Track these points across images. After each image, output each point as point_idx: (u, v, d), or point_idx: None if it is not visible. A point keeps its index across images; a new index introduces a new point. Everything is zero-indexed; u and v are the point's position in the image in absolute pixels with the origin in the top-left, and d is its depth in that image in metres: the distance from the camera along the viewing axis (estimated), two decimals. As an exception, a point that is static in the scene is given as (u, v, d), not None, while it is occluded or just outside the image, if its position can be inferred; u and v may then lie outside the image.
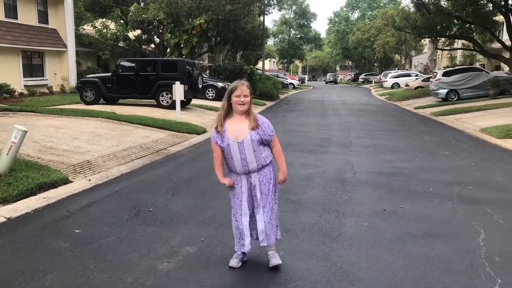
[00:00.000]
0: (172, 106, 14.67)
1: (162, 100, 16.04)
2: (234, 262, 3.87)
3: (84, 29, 27.30)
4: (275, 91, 28.53)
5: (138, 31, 28.59)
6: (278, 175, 3.80)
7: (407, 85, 34.49)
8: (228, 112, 3.72)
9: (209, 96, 21.40)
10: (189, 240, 4.47)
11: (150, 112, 14.35)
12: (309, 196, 6.17)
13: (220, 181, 3.79)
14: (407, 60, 60.35)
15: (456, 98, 22.31)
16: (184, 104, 16.34)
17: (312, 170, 7.84)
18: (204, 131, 12.51)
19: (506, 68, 26.33)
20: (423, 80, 33.18)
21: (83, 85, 16.67)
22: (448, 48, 32.42)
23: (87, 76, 18.09)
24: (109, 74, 17.27)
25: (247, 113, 3.70)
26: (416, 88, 31.95)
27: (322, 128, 14.02)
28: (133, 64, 16.77)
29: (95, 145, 9.06)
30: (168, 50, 27.50)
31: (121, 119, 12.14)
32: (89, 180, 6.83)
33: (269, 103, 24.82)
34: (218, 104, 19.31)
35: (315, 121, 16.04)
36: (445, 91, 22.60)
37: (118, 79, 16.39)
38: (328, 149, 10.06)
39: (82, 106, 15.05)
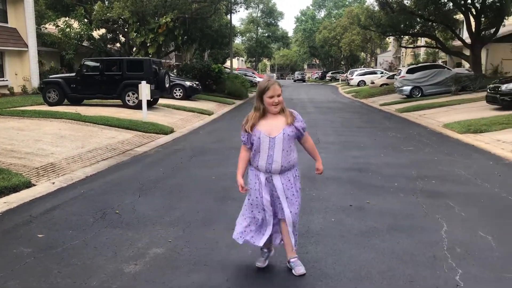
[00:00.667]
0: (138, 106, 14.46)
1: (128, 100, 15.78)
2: (260, 262, 3.78)
3: (46, 28, 26.58)
4: (243, 90, 28.52)
5: (103, 30, 28.06)
6: (317, 165, 3.81)
7: (372, 83, 35.15)
8: (263, 112, 3.55)
9: (176, 95, 21.19)
10: (156, 241, 4.42)
11: (116, 112, 14.11)
12: (277, 193, 6.19)
13: (237, 179, 3.65)
14: (373, 58, 61.49)
15: (420, 94, 22.87)
16: (151, 104, 16.14)
17: (281, 168, 7.87)
18: (172, 131, 12.39)
19: (467, 65, 27.16)
20: (388, 78, 33.90)
21: (46, 86, 16.20)
22: (411, 46, 33.25)
23: (50, 76, 17.63)
24: (73, 74, 16.88)
25: (280, 109, 3.56)
26: (381, 85, 32.59)
27: (290, 126, 14.09)
28: (98, 64, 16.45)
29: (59, 147, 8.84)
30: (134, 49, 27.09)
31: (86, 120, 11.88)
32: (53, 183, 6.65)
33: (238, 102, 24.81)
34: (186, 103, 19.28)
35: (283, 119, 16.10)
36: (409, 88, 23.14)
37: (83, 79, 16.03)
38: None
39: (45, 108, 14.64)
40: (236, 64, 61.18)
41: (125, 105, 15.77)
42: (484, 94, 16.84)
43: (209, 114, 17.51)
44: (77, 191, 6.33)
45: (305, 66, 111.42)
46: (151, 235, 4.58)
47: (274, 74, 77.36)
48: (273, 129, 3.49)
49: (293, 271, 3.65)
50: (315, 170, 3.86)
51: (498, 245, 4.29)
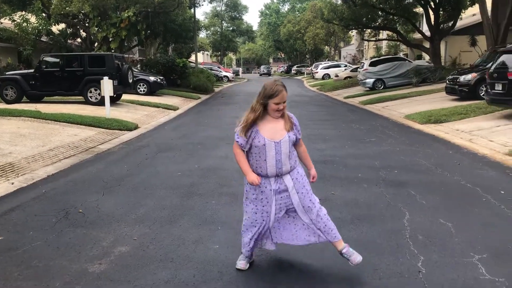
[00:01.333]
0: (101, 103, 14.14)
1: (90, 97, 15.42)
2: (242, 263, 3.67)
3: (1, 23, 25.55)
4: (209, 84, 28.34)
5: (62, 25, 27.21)
6: (311, 173, 3.67)
7: (336, 76, 35.66)
8: (262, 115, 3.40)
9: (140, 91, 20.85)
10: (121, 240, 4.35)
11: (78, 109, 13.76)
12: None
13: (247, 177, 3.42)
14: (336, 51, 62.25)
15: (382, 87, 23.35)
16: (114, 100, 15.84)
17: (247, 162, 7.88)
18: (136, 127, 12.19)
19: (427, 57, 27.88)
20: (351, 71, 34.45)
21: (2, 83, 15.63)
22: (374, 39, 33.85)
23: (7, 73, 17.00)
24: (32, 70, 16.32)
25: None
26: (345, 78, 33.09)
27: (256, 120, 14.12)
28: (58, 60, 16.00)
29: (18, 146, 8.55)
30: (96, 44, 26.42)
31: (46, 117, 11.53)
32: (12, 183, 6.44)
33: (204, 97, 24.64)
34: (150, 99, 19.00)
35: (249, 113, 16.10)
36: (372, 80, 23.59)
37: (42, 75, 15.57)
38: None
39: (2, 105, 14.12)
40: (201, 58, 60.68)
41: (87, 102, 15.41)
42: (443, 85, 17.35)
43: (174, 110, 17.33)
44: (38, 190, 6.15)
45: (271, 60, 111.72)
46: (116, 234, 4.51)
47: (240, 69, 77.10)
48: (276, 133, 3.39)
49: (349, 262, 3.52)
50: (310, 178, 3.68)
51: (457, 231, 4.44)
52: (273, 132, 3.38)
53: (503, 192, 5.75)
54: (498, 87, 10.86)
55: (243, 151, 3.47)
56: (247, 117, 3.39)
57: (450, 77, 16.22)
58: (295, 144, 3.55)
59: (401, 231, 4.45)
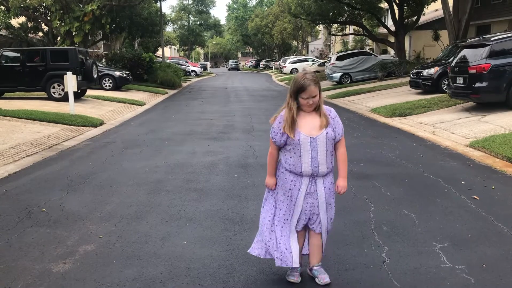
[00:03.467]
0: (65, 98, 13.77)
1: (53, 92, 15.02)
2: (294, 276, 3.38)
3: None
4: (177, 79, 28.03)
5: (23, 18, 26.31)
6: (338, 182, 3.26)
7: (304, 70, 35.85)
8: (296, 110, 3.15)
9: (106, 86, 20.43)
10: (86, 238, 4.27)
11: (41, 105, 13.38)
12: (212, 183, 6.20)
13: (267, 179, 3.30)
14: (304, 45, 62.66)
15: (349, 81, 23.68)
16: (79, 96, 15.49)
17: (216, 157, 7.87)
18: (102, 123, 11.96)
19: (392, 51, 28.43)
20: (319, 65, 34.78)
21: (-41, 79, 15.04)
22: (340, 33, 34.21)
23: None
24: (-9, 65, 15.75)
25: (317, 108, 3.18)
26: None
27: (225, 115, 14.11)
28: (19, 54, 15.51)
29: (-24, 144, 8.25)
30: (59, 38, 25.68)
31: (7, 114, 11.15)
32: (-29, 183, 6.21)
33: (171, 92, 24.37)
34: (116, 94, 18.66)
35: (218, 108, 16.08)
36: (339, 74, 23.88)
37: (2, 71, 15.05)
38: (231, 135, 10.16)
39: (-40, 102, 13.59)
40: (168, 53, 59.96)
41: (50, 98, 15.01)
42: (408, 79, 17.73)
43: (140, 105, 17.07)
44: (-1, 190, 5.96)
45: (239, 55, 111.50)
46: (81, 232, 4.42)
47: (208, 63, 76.61)
48: (313, 128, 3.13)
49: (316, 279, 3.35)
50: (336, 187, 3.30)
51: (420, 221, 4.57)
52: (310, 127, 3.13)
53: (463, 182, 5.95)
54: (459, 81, 11.19)
55: (278, 149, 3.25)
56: (285, 117, 3.14)
57: (414, 71, 16.59)
58: (336, 143, 3.23)
59: (367, 223, 4.54)
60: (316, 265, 3.38)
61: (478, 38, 11.93)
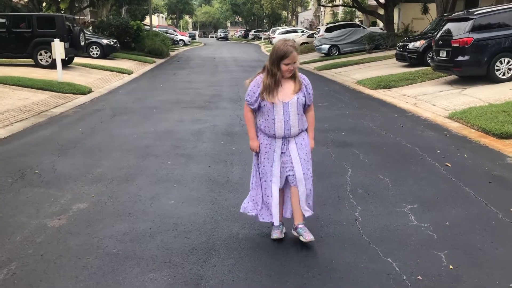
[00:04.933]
0: (52, 66, 13.75)
1: (40, 60, 14.96)
2: (276, 233, 3.59)
3: None
4: (165, 48, 27.84)
5: (6, -17, 25.70)
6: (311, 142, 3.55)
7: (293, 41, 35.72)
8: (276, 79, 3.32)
9: (93, 54, 20.30)
10: (79, 197, 4.52)
11: (29, 72, 13.36)
12: (199, 149, 6.44)
13: (250, 143, 3.48)
14: (294, 16, 62.04)
15: (337, 53, 23.77)
16: (66, 63, 15.43)
17: (203, 125, 8.09)
18: (90, 91, 12.04)
19: (381, 24, 28.44)
20: (308, 36, 34.59)
21: None
22: (330, 4, 33.98)
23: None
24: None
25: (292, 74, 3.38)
26: (302, 44, 33.22)
27: (213, 85, 14.23)
28: (4, 20, 15.27)
29: (-34, 109, 8.35)
30: (44, 4, 25.22)
31: (-6, 80, 11.18)
32: (-37, 146, 6.37)
33: (159, 61, 24.28)
34: (104, 62, 18.59)
35: (206, 78, 16.18)
36: (327, 46, 23.94)
37: (-13, 37, 14.89)
38: (218, 104, 10.35)
39: None
40: (156, 21, 58.99)
41: (37, 65, 14.95)
42: (395, 52, 17.91)
43: (128, 74, 17.07)
44: (-9, 153, 6.14)
45: (228, 24, 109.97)
46: (73, 192, 4.66)
47: (197, 32, 75.63)
48: (286, 93, 3.34)
49: (301, 237, 3.49)
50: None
51: (393, 186, 4.88)
52: (283, 93, 3.33)
53: (438, 151, 6.26)
54: (443, 54, 11.43)
55: (253, 112, 3.46)
56: (267, 83, 3.31)
57: (400, 44, 16.76)
58: (305, 107, 3.48)
59: (343, 186, 4.85)
60: (300, 223, 3.54)
61: (463, 12, 12.12)
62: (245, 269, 3.19)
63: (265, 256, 3.38)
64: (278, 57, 3.27)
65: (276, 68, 3.30)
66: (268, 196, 3.54)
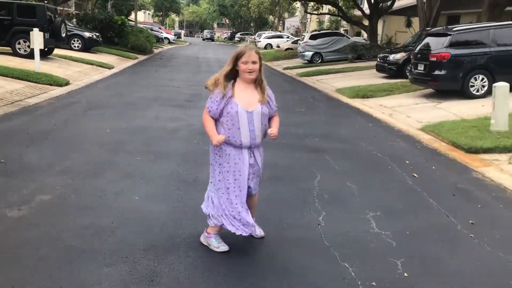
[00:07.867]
0: (30, 55, 13.50)
1: (19, 48, 14.69)
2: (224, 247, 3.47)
3: None
4: (148, 45, 27.64)
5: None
6: (271, 130, 3.38)
7: (278, 46, 35.96)
8: (233, 76, 3.31)
9: (75, 46, 20.04)
10: (43, 189, 4.46)
11: (5, 61, 13.10)
12: (171, 147, 6.42)
13: (213, 139, 3.29)
14: (280, 21, 62.36)
15: (320, 60, 23.96)
16: (46, 54, 15.19)
17: (179, 123, 8.07)
18: (67, 83, 11.88)
19: (365, 34, 28.80)
20: (293, 42, 34.85)
21: None
22: (316, 12, 34.30)
23: None
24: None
25: (257, 82, 3.33)
26: (286, 49, 33.46)
27: (194, 84, 14.20)
28: (-17, 7, 15.00)
29: None
30: (27, -7, 24.81)
31: (-31, 67, 10.95)
32: None
33: (141, 57, 24.09)
34: (85, 55, 18.38)
35: (187, 77, 16.13)
36: (310, 53, 24.11)
37: (-36, 22, 14.56)
38: (197, 104, 10.33)
39: None
40: (142, 17, 58.58)
41: (15, 54, 14.67)
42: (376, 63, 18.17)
43: (109, 68, 16.90)
44: (-43, 140, 6.02)
45: (215, 25, 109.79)
46: (38, 183, 4.60)
47: (182, 31, 75.33)
48: (249, 102, 3.27)
49: (254, 234, 3.52)
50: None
51: (359, 193, 4.95)
52: (247, 101, 3.26)
53: (408, 162, 6.37)
54: (421, 67, 11.64)
55: (213, 120, 3.33)
56: (217, 75, 3.32)
57: (381, 55, 17.01)
58: (270, 118, 3.46)
59: (310, 190, 4.89)
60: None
61: (442, 27, 12.38)
62: (202, 268, 3.21)
63: (223, 256, 3.40)
64: (235, 56, 3.28)
65: (232, 65, 3.29)
66: (242, 207, 3.37)
